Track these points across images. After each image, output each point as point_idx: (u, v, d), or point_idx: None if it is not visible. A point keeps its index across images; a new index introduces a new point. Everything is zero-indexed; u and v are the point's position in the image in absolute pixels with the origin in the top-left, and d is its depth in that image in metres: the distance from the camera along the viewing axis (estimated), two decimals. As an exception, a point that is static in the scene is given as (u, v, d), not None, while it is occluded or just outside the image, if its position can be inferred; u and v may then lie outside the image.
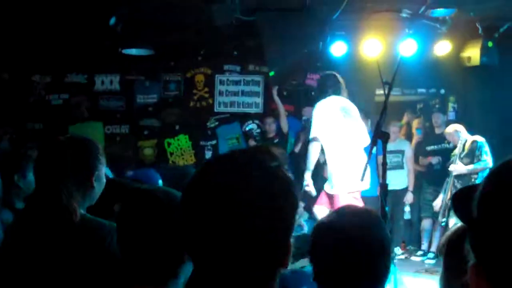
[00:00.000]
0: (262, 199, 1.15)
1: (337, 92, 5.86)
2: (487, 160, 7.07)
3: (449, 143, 7.96)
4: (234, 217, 1.13)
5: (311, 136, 5.72)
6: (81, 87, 9.22)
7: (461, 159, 7.34)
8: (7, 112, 8.91)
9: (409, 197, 8.32)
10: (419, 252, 8.38)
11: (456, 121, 8.96)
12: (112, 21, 6.74)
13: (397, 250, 8.29)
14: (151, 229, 1.69)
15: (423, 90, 9.50)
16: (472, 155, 7.26)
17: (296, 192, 1.23)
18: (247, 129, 9.27)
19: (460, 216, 0.97)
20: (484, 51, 7.59)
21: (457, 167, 7.29)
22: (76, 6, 6.59)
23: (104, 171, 2.42)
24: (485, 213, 0.83)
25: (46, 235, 2.17)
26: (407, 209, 8.51)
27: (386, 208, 3.19)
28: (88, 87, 9.23)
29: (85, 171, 2.30)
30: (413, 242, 8.80)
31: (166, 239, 1.66)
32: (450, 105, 9.45)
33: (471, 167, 7.17)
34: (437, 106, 9.42)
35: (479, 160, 7.15)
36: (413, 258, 8.32)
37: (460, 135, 7.53)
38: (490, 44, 7.58)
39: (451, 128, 7.77)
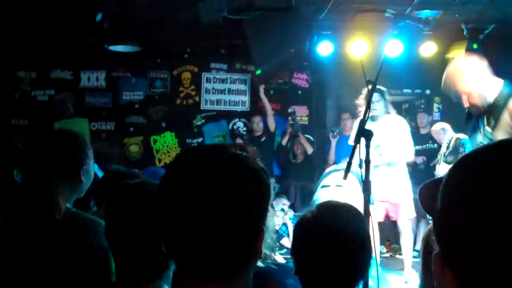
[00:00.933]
0: (234, 189, 1.16)
1: None
2: None
3: (433, 143, 8.04)
4: (207, 208, 1.14)
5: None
6: (67, 83, 9.18)
7: (445, 157, 7.41)
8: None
9: None
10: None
11: (441, 121, 9.05)
12: (99, 17, 6.71)
13: (382, 249, 8.35)
14: (141, 223, 1.69)
15: (408, 91, 9.56)
16: (456, 152, 7.35)
17: (268, 179, 1.24)
18: (234, 127, 9.28)
19: (425, 207, 1.00)
20: (469, 52, 7.65)
21: (442, 169, 7.36)
22: (63, 1, 6.55)
23: (92, 165, 2.41)
24: (449, 202, 0.85)
25: (29, 230, 2.15)
26: None
27: (370, 205, 3.22)
28: (73, 84, 9.19)
29: (73, 166, 2.29)
30: (398, 240, 8.86)
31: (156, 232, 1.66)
32: (435, 105, 9.53)
33: None
34: (422, 106, 9.50)
35: None
36: (397, 256, 8.38)
37: (446, 133, 7.62)
38: (475, 45, 7.65)
39: (437, 126, 7.87)
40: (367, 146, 3.28)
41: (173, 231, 1.19)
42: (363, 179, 3.21)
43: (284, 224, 7.62)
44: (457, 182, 0.84)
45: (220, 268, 1.17)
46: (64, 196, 2.23)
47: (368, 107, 3.44)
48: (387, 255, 8.37)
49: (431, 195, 0.92)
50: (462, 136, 7.38)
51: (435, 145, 7.96)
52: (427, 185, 1.02)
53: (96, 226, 2.14)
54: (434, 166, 7.67)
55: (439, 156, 7.56)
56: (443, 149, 7.49)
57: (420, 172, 8.29)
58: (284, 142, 8.64)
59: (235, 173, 1.18)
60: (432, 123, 8.68)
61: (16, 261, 2.13)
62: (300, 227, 2.01)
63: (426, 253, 1.74)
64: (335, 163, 8.25)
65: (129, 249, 1.72)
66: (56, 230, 2.13)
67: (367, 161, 3.23)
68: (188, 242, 1.16)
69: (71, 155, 2.30)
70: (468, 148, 7.21)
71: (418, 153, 8.46)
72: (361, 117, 3.44)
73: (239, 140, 8.86)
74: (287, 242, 7.34)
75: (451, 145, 7.41)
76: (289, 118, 8.79)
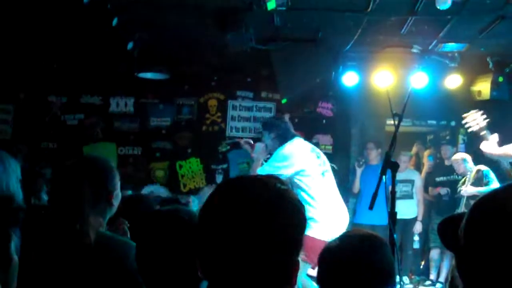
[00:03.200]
0: (273, 219, 1.22)
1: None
2: (496, 185, 7.17)
3: (458, 175, 8.03)
4: (247, 236, 1.20)
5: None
6: (96, 108, 9.36)
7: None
8: (23, 131, 9.08)
9: (418, 227, 8.37)
10: (428, 282, 8.39)
11: (466, 153, 9.03)
12: (130, 45, 6.90)
13: (405, 279, 8.30)
14: (175, 249, 1.76)
15: (433, 122, 9.58)
16: (479, 184, 7.37)
17: (304, 212, 1.31)
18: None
19: (446, 244, 1.05)
20: (495, 85, 7.67)
21: (469, 189, 7.37)
22: (95, 29, 6.75)
23: (119, 187, 2.46)
24: (470, 240, 0.90)
25: (61, 260, 2.18)
26: (416, 238, 8.55)
27: (395, 236, 3.26)
28: (103, 109, 9.37)
29: (104, 194, 2.35)
30: (421, 272, 8.81)
31: (188, 257, 1.70)
32: (460, 137, 9.51)
33: (482, 189, 7.22)
34: (447, 137, 9.50)
35: (487, 186, 7.27)
36: (421, 287, 8.33)
37: (467, 164, 7.63)
38: (500, 79, 7.67)
39: (458, 156, 7.89)
40: (393, 178, 3.34)
41: (211, 258, 1.24)
42: (389, 210, 3.25)
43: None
44: (477, 223, 0.89)
45: None
46: (95, 224, 2.27)
47: (394, 140, 3.50)
48: (410, 286, 8.33)
49: (450, 231, 0.97)
50: (483, 167, 7.39)
51: (459, 176, 7.96)
52: (446, 222, 1.07)
53: (132, 249, 2.16)
54: (459, 197, 7.66)
55: (459, 187, 7.58)
56: (467, 181, 7.50)
57: (444, 203, 8.28)
58: None
59: (278, 206, 1.24)
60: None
61: None
62: (326, 257, 2.06)
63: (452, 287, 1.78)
64: (360, 192, 8.28)
65: (160, 274, 1.79)
66: (89, 257, 2.16)
67: (393, 192, 3.28)
68: (228, 269, 1.22)
69: (102, 183, 2.35)
70: (491, 178, 7.21)
71: (442, 184, 8.46)
72: (388, 149, 3.50)
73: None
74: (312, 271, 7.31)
75: (472, 177, 7.43)
76: None
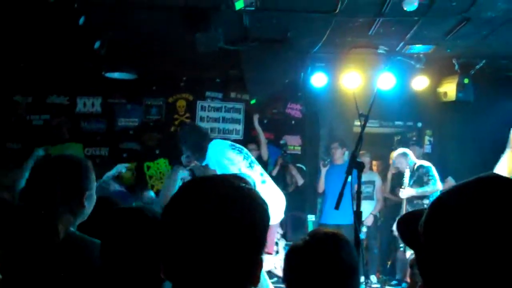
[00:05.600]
0: (236, 218, 1.21)
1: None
2: (436, 184, 7.34)
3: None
4: (209, 236, 1.19)
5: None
6: (63, 108, 9.24)
7: (410, 185, 7.58)
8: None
9: (369, 219, 8.41)
10: (394, 282, 8.46)
11: (432, 154, 9.17)
12: (97, 44, 6.81)
13: (373, 278, 8.37)
14: (139, 246, 1.74)
15: (400, 123, 9.69)
16: (421, 180, 7.52)
17: (268, 211, 1.30)
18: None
19: (406, 240, 1.05)
20: (460, 87, 7.79)
21: (406, 191, 7.49)
22: (60, 28, 6.65)
23: (95, 188, 2.43)
24: (429, 237, 0.90)
25: (31, 255, 2.17)
26: (364, 230, 8.55)
27: (361, 235, 3.28)
28: (69, 109, 9.26)
29: (76, 193, 2.32)
30: (389, 271, 8.89)
31: (151, 255, 1.70)
32: (427, 138, 9.65)
33: (420, 190, 7.43)
34: (414, 139, 9.61)
35: (427, 184, 7.45)
36: (388, 287, 8.40)
37: (408, 158, 7.78)
38: (466, 80, 7.79)
39: (399, 150, 8.02)
40: (359, 178, 3.36)
41: (176, 258, 1.23)
42: (355, 209, 3.27)
43: (277, 253, 7.64)
44: (436, 219, 0.90)
45: None
46: (66, 222, 2.26)
47: (360, 140, 3.52)
48: (377, 285, 8.39)
49: (410, 228, 0.97)
50: (426, 163, 7.55)
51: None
52: (405, 219, 1.08)
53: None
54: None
55: (404, 180, 7.70)
56: (406, 174, 7.61)
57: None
58: (274, 173, 8.68)
59: (244, 206, 1.23)
60: (424, 155, 8.79)
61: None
62: (292, 255, 2.07)
63: (412, 283, 1.80)
64: (324, 192, 8.32)
65: (123, 271, 1.77)
66: (57, 253, 2.16)
67: (359, 192, 3.30)
68: (190, 269, 1.21)
69: (74, 183, 2.33)
70: (433, 175, 7.40)
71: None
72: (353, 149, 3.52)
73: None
74: (279, 271, 7.35)
75: (415, 173, 7.59)
76: (282, 148, 8.86)
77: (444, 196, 0.95)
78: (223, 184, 1.28)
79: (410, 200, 7.56)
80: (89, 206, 2.39)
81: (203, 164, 5.27)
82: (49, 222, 2.21)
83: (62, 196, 2.27)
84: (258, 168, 5.38)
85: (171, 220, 1.26)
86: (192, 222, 1.21)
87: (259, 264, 1.27)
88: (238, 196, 1.25)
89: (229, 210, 1.21)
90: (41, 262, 2.16)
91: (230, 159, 5.14)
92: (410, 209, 7.40)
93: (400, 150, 8.08)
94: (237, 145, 5.47)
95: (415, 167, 7.70)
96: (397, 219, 1.08)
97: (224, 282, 1.21)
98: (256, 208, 1.27)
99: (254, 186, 1.33)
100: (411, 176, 7.64)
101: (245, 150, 5.45)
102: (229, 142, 5.53)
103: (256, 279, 1.27)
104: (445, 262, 0.85)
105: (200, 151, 5.19)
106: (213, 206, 1.21)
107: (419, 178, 7.58)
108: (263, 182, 5.23)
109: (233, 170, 5.06)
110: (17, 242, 2.23)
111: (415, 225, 0.95)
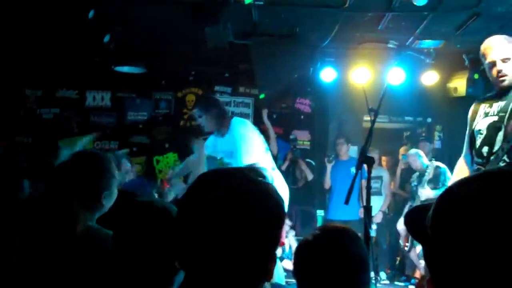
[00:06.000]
0: (251, 213, 1.21)
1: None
2: None
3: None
4: (225, 229, 1.19)
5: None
6: (72, 102, 9.28)
7: (426, 184, 7.53)
8: (-3, 124, 8.97)
9: (378, 216, 8.37)
10: (403, 278, 8.45)
11: (442, 149, 9.12)
12: (106, 38, 6.82)
13: (382, 275, 8.36)
14: (150, 239, 1.75)
15: (410, 118, 9.64)
16: (436, 180, 7.46)
17: (284, 206, 1.30)
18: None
19: (413, 234, 1.05)
20: (470, 82, 7.74)
21: (426, 192, 7.43)
22: (71, 22, 6.67)
23: (116, 184, 2.45)
24: (437, 231, 0.90)
25: (47, 252, 2.20)
26: (374, 227, 8.53)
27: (370, 231, 3.27)
28: (79, 103, 9.29)
29: (93, 193, 2.35)
30: (398, 267, 8.87)
31: (163, 248, 1.71)
32: (436, 134, 9.60)
33: (439, 192, 7.34)
34: (423, 134, 9.57)
35: (443, 186, 7.37)
36: (397, 283, 8.39)
37: (421, 159, 7.72)
38: (476, 76, 7.73)
39: (413, 151, 7.97)
40: (369, 173, 3.35)
41: (190, 249, 1.23)
42: (364, 204, 3.27)
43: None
44: (445, 214, 0.90)
45: (233, 286, 1.22)
46: (83, 219, 2.29)
47: (370, 135, 3.51)
48: (387, 281, 8.39)
49: (417, 221, 0.97)
50: (441, 165, 7.50)
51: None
52: (413, 212, 1.07)
53: None
54: (413, 192, 7.76)
55: (413, 180, 7.66)
56: (424, 174, 7.57)
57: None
58: (284, 167, 8.69)
59: (258, 200, 1.24)
60: (434, 151, 8.75)
61: (35, 278, 2.18)
62: (302, 249, 2.07)
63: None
64: (331, 187, 8.29)
65: (135, 263, 1.77)
66: (76, 246, 2.19)
67: (368, 187, 3.29)
68: (203, 260, 1.21)
69: (91, 183, 2.35)
70: (448, 177, 7.34)
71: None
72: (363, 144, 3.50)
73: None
74: (289, 264, 7.35)
75: (431, 172, 7.52)
76: (291, 143, 8.85)
77: (453, 189, 0.94)
78: (238, 177, 1.28)
79: (424, 200, 7.49)
80: (108, 203, 2.41)
81: (225, 135, 5.21)
82: (68, 217, 2.25)
83: (78, 198, 2.30)
84: (269, 154, 5.37)
85: (186, 211, 1.26)
86: (206, 214, 1.21)
87: (273, 259, 1.27)
88: (255, 191, 1.25)
89: (244, 205, 1.21)
90: (58, 254, 2.19)
91: (253, 135, 5.11)
92: None
93: (414, 150, 8.03)
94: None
95: (431, 167, 7.61)
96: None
97: (237, 277, 1.22)
98: (271, 203, 1.27)
99: (271, 180, 1.33)
100: (423, 175, 7.57)
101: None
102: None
103: (270, 274, 1.27)
104: (453, 256, 0.85)
105: (224, 118, 5.15)
106: (229, 200, 1.21)
107: (435, 177, 7.51)
108: (273, 169, 5.23)
109: (255, 147, 5.00)
110: (37, 235, 2.26)
111: (423, 218, 0.94)
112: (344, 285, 1.92)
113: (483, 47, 3.69)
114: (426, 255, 0.93)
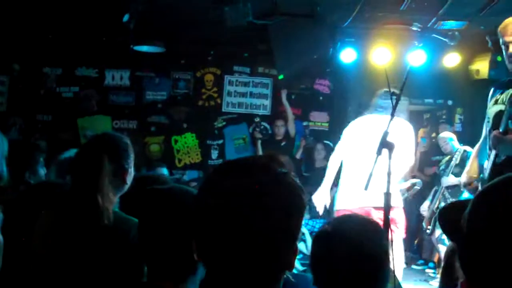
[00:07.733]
0: (272, 203, 1.20)
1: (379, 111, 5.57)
2: None
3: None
4: (245, 220, 1.18)
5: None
6: (91, 81, 9.29)
7: (453, 168, 7.42)
8: (17, 103, 9.00)
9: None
10: (420, 261, 8.42)
11: (462, 132, 9.00)
12: (126, 17, 6.80)
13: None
14: (174, 227, 1.74)
15: (430, 101, 9.51)
16: (463, 165, 7.35)
17: (304, 197, 1.28)
18: (257, 129, 9.12)
19: (446, 231, 1.02)
20: (493, 65, 7.61)
21: (450, 179, 7.33)
22: (90, 1, 6.66)
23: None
24: (474, 230, 0.88)
25: (79, 235, 2.23)
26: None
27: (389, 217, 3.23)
28: (98, 81, 9.30)
29: (120, 170, 2.40)
30: (415, 250, 8.84)
31: (186, 236, 1.70)
32: (457, 116, 9.48)
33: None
34: (444, 117, 9.45)
35: None
36: (414, 266, 8.37)
37: (452, 143, 7.60)
38: (499, 58, 7.57)
39: (445, 134, 7.85)
40: (389, 158, 3.30)
41: (209, 240, 1.22)
42: (385, 191, 3.22)
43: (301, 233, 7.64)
44: (483, 214, 0.87)
45: (254, 278, 1.21)
46: (112, 201, 2.32)
47: (391, 119, 3.46)
48: (404, 265, 8.35)
49: (451, 219, 0.94)
50: (469, 148, 7.38)
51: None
52: (447, 209, 1.04)
53: (134, 225, 2.18)
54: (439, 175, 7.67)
55: (442, 165, 7.56)
56: (454, 161, 7.45)
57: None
58: (298, 155, 8.63)
59: (276, 189, 1.21)
60: (454, 134, 8.64)
61: (60, 264, 2.20)
62: (319, 240, 2.03)
63: (446, 274, 1.75)
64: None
65: (159, 251, 1.78)
66: (104, 234, 2.22)
67: (389, 173, 3.25)
68: (224, 252, 1.20)
69: (119, 160, 2.40)
70: None
71: (438, 163, 8.44)
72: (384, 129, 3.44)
73: (258, 142, 8.82)
74: (303, 247, 7.34)
75: (459, 157, 7.40)
76: (305, 131, 8.79)
77: (489, 189, 0.91)
78: (256, 167, 1.26)
79: (444, 195, 7.40)
80: (129, 182, 2.46)
81: None
82: (101, 204, 2.25)
83: (110, 174, 2.32)
84: None
85: (204, 202, 1.25)
86: (223, 205, 1.20)
87: (294, 251, 1.26)
88: (270, 180, 1.23)
89: (264, 197, 1.19)
90: (90, 240, 2.22)
91: None
92: (447, 193, 7.30)
93: (446, 134, 7.91)
94: None
95: (459, 151, 7.51)
96: (438, 209, 1.05)
97: (259, 269, 1.20)
98: (291, 194, 1.25)
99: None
100: (451, 160, 7.46)
101: None
102: None
103: (291, 266, 1.26)
104: (491, 256, 0.82)
105: None
106: (249, 190, 1.20)
107: (462, 161, 7.41)
108: None
109: None
110: (67, 222, 2.28)
111: (457, 218, 0.92)
112: (363, 277, 1.89)
113: (501, 26, 3.60)
114: (461, 255, 0.91)
